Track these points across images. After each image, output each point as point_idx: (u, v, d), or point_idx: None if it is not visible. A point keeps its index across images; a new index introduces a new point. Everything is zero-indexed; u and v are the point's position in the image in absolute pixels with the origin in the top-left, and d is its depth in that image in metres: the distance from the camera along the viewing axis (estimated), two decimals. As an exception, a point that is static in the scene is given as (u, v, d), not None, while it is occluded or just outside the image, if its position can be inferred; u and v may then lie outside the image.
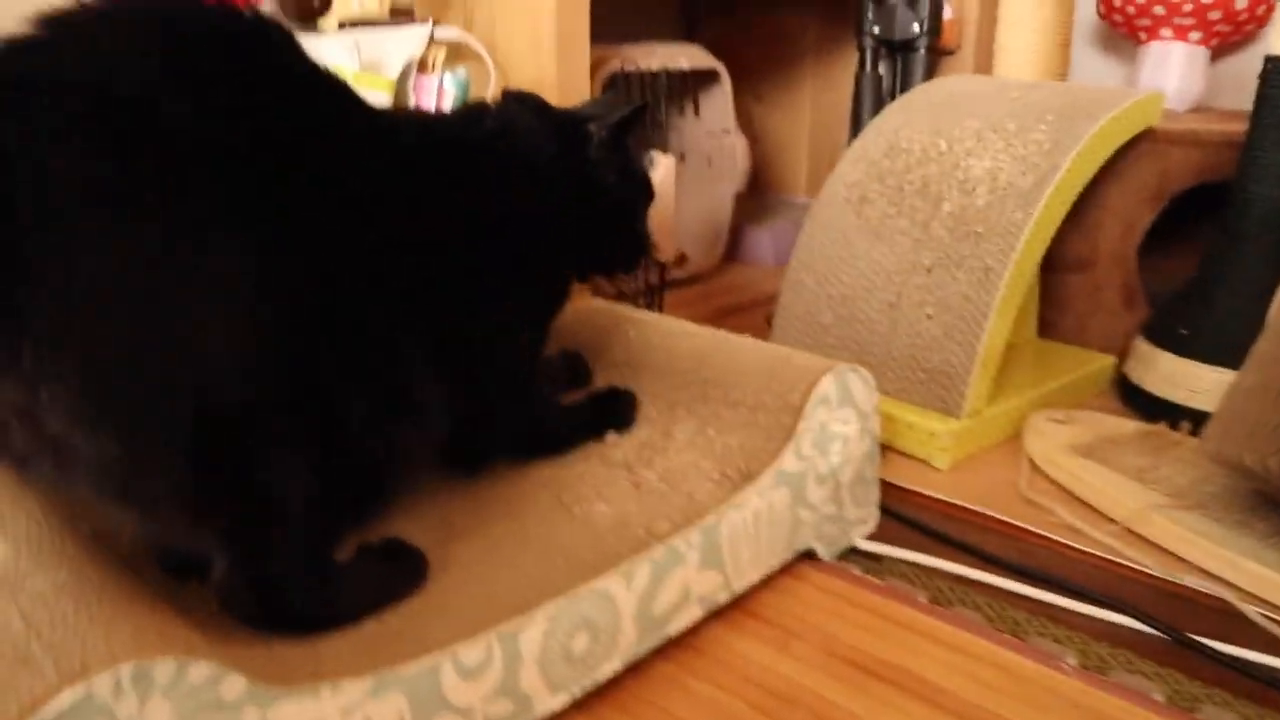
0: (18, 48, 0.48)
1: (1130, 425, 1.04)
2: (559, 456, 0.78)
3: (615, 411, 0.84)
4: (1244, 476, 0.85)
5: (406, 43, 0.90)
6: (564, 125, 0.79)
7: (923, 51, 1.43)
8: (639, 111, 0.81)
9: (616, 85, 1.36)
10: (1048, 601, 0.77)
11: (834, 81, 1.92)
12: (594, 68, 1.25)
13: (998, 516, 0.91)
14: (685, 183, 1.47)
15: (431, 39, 0.95)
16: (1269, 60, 1.02)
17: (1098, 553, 0.84)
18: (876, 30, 1.46)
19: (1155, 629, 0.73)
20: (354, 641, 0.56)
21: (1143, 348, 1.13)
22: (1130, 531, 0.86)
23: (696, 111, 1.62)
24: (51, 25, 0.49)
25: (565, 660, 0.59)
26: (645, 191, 0.84)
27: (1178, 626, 0.73)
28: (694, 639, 0.70)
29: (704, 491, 0.73)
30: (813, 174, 2.00)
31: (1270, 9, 1.34)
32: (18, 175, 0.44)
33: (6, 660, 0.44)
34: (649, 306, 1.32)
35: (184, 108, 0.49)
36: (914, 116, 1.17)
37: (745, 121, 1.96)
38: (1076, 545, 0.85)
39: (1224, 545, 0.80)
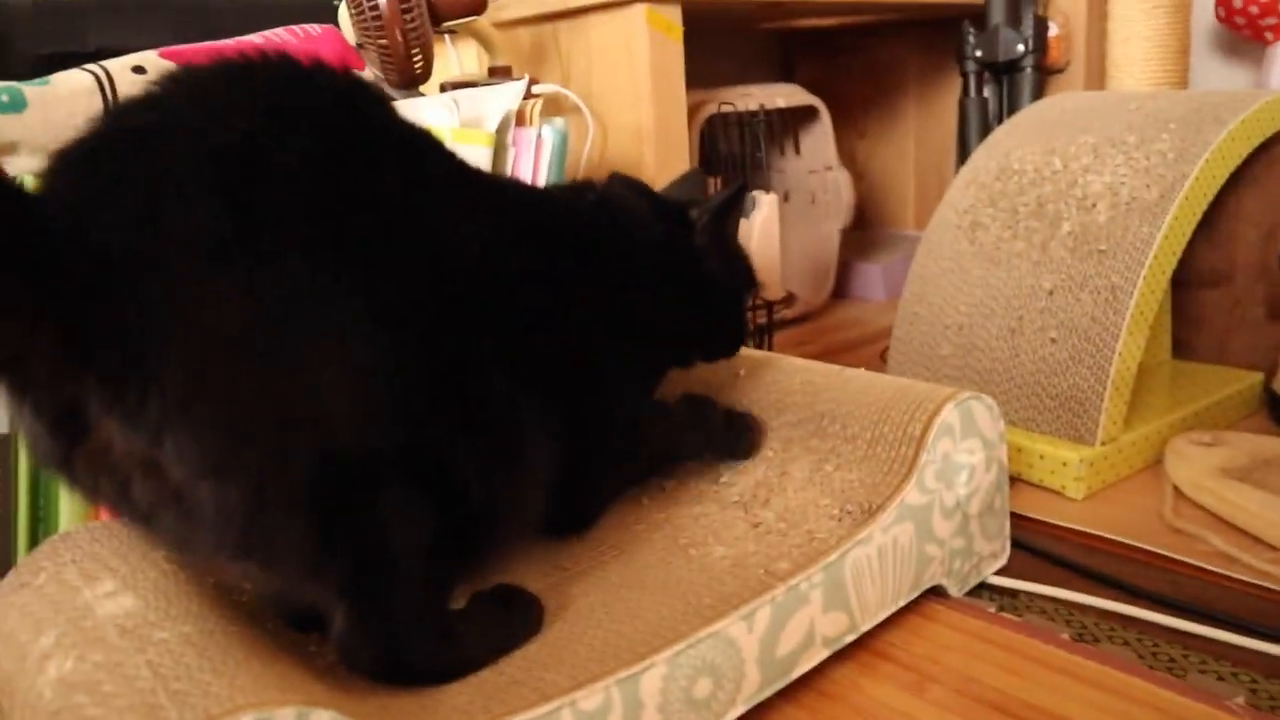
0: (136, 105, 0.50)
1: (1286, 445, 0.97)
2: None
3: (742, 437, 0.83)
4: None
5: (503, 98, 0.91)
6: (668, 210, 0.79)
7: (1029, 71, 1.39)
8: (739, 194, 0.82)
9: (715, 128, 1.37)
10: (1206, 636, 0.71)
11: (937, 111, 1.89)
12: (691, 112, 1.26)
13: (1143, 547, 0.85)
14: (789, 222, 1.46)
15: (528, 93, 0.96)
16: None
17: (1259, 582, 0.78)
18: (979, 54, 1.43)
19: (1330, 663, 0.67)
20: (472, 690, 0.56)
21: (1293, 362, 1.06)
22: (1294, 558, 0.80)
23: (797, 150, 1.61)
24: (166, 84, 0.51)
25: (688, 706, 0.57)
26: (748, 279, 0.84)
27: (1356, 659, 0.67)
28: (823, 682, 0.67)
29: (825, 529, 0.70)
30: (920, 207, 1.96)
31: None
32: (143, 229, 0.45)
33: (136, 710, 0.45)
34: (757, 347, 1.31)
35: (299, 162, 0.50)
36: (1025, 136, 1.13)
37: (849, 158, 1.95)
38: (1234, 575, 0.79)
39: (1402, 569, 0.73)
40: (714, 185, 1.40)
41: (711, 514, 0.75)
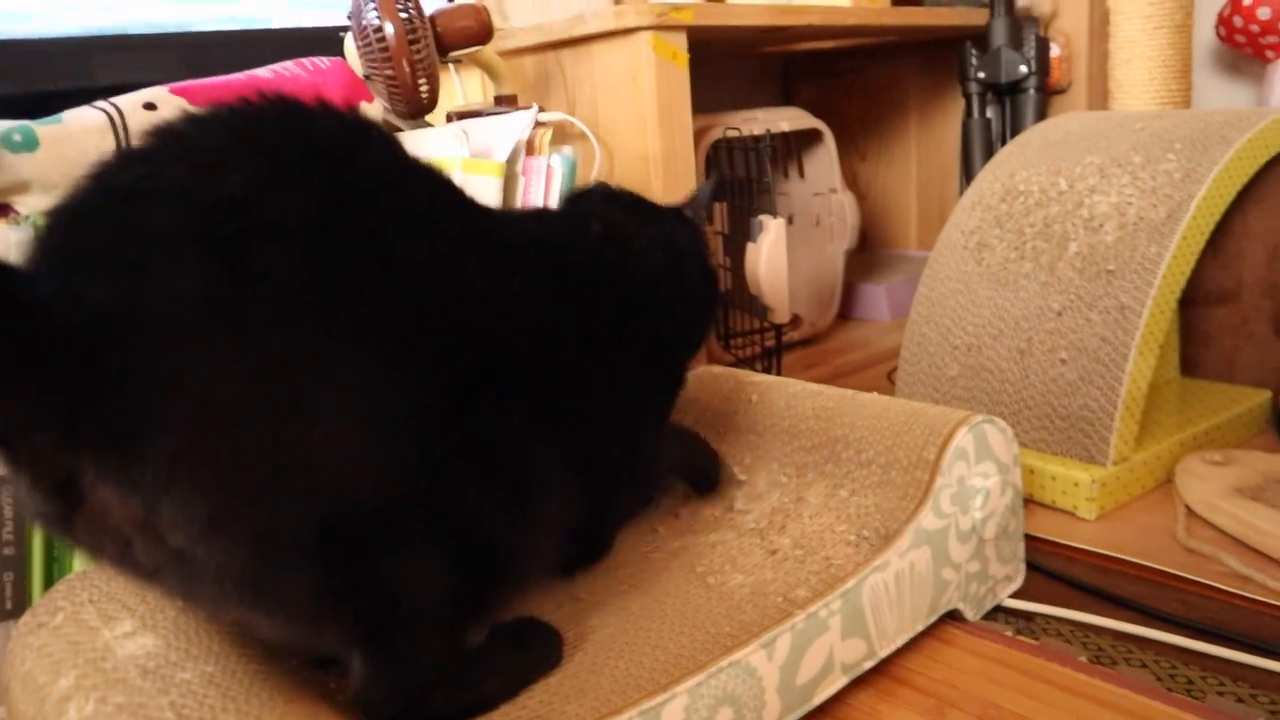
0: (126, 160, 0.49)
1: (1298, 463, 0.97)
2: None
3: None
4: None
5: (513, 127, 0.92)
6: (664, 216, 0.79)
7: (1032, 92, 1.40)
8: (718, 185, 0.84)
9: (719, 153, 1.37)
10: (1224, 657, 0.71)
11: (939, 131, 1.90)
12: (696, 137, 1.26)
13: (1157, 567, 0.85)
14: (794, 244, 1.47)
15: (536, 122, 0.97)
16: None
17: (1274, 602, 0.77)
18: (982, 75, 1.44)
19: (1352, 684, 0.67)
20: (493, 726, 0.55)
21: (1302, 379, 1.07)
22: (1310, 578, 0.79)
23: (801, 173, 1.61)
24: (159, 135, 0.50)
25: (709, 737, 0.57)
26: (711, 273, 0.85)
27: (1378, 680, 0.66)
28: (842, 709, 0.67)
29: (842, 555, 0.70)
30: (923, 227, 1.96)
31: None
32: (132, 292, 0.43)
33: (158, 754, 0.45)
34: (766, 370, 1.31)
35: (296, 214, 0.48)
36: (1030, 157, 1.14)
37: (850, 179, 1.95)
38: (1250, 595, 0.79)
39: None
40: (720, 211, 1.41)
41: (728, 541, 0.74)
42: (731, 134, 1.34)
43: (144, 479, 0.43)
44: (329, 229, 0.49)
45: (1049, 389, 1.01)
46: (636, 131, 1.19)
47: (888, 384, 1.39)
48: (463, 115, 1.16)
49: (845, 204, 1.59)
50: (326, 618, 0.49)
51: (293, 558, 0.46)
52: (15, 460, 0.45)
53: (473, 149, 0.89)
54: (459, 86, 1.31)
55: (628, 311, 0.71)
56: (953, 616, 0.76)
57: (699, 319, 0.80)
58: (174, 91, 0.82)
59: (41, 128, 0.76)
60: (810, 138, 1.59)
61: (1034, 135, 1.20)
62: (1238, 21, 1.34)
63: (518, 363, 0.58)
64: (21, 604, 0.71)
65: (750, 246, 1.20)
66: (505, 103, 1.19)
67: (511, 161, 0.90)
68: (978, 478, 0.75)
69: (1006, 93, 1.44)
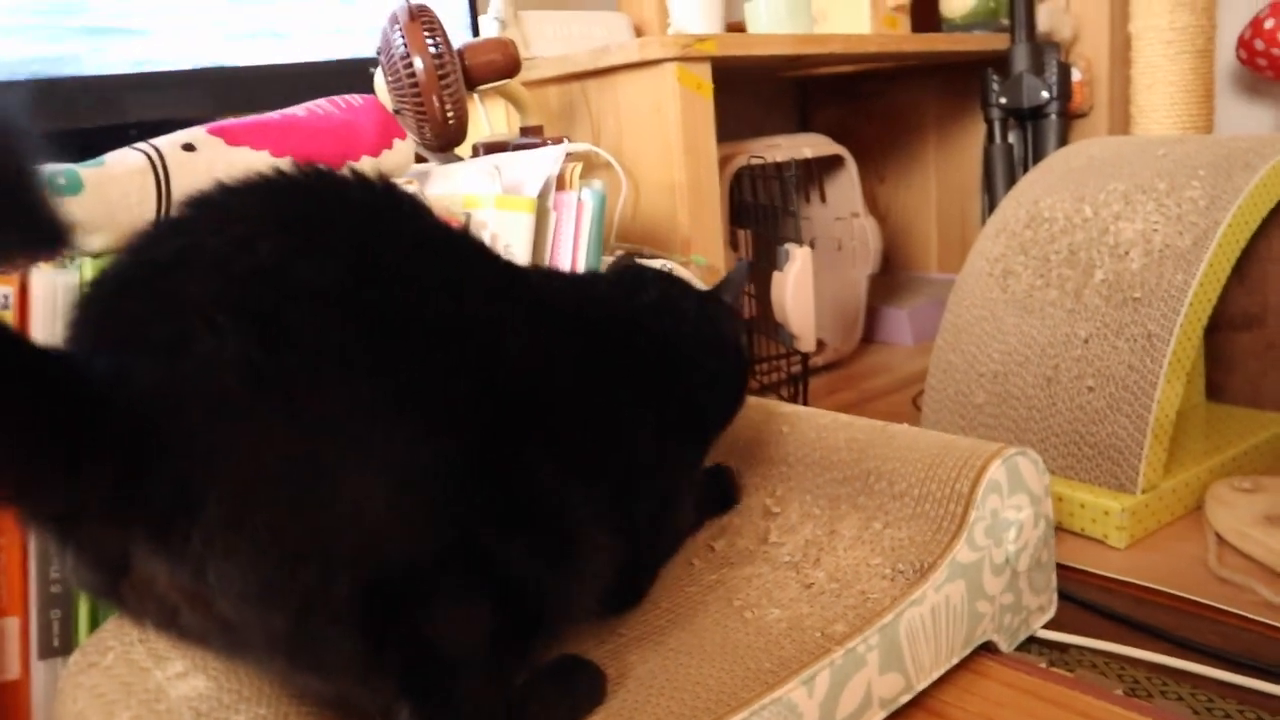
0: (162, 233, 0.50)
1: (1329, 491, 0.97)
2: None
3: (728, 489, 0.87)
4: None
5: (543, 162, 0.93)
6: (703, 297, 0.81)
7: (1054, 117, 1.40)
8: (741, 271, 0.85)
9: (741, 180, 1.38)
10: (1263, 691, 0.71)
11: (957, 154, 1.90)
12: (720, 165, 1.27)
13: (1189, 597, 0.85)
14: (817, 269, 1.46)
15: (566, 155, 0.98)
16: None
17: (1311, 634, 0.77)
18: (1003, 100, 1.44)
19: (1392, 717, 0.67)
20: (539, 765, 0.56)
21: (1329, 405, 1.06)
22: (1345, 608, 0.79)
23: (823, 198, 1.62)
24: (195, 205, 0.51)
25: (752, 775, 0.57)
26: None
27: None
28: (880, 746, 0.67)
29: (878, 589, 0.70)
30: (943, 249, 1.97)
31: None
32: (175, 365, 0.44)
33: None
34: (793, 397, 1.31)
35: (331, 282, 0.49)
36: (1053, 184, 1.14)
37: (870, 201, 1.96)
38: (1285, 626, 0.79)
39: None
40: (744, 238, 1.42)
41: (764, 575, 0.75)
42: (756, 162, 1.35)
43: (193, 551, 0.43)
44: (362, 295, 0.50)
45: (1076, 416, 1.01)
46: (662, 162, 1.20)
47: (913, 409, 1.39)
48: (489, 146, 1.17)
49: (868, 229, 1.60)
50: (373, 674, 0.50)
51: (338, 619, 0.47)
52: (63, 537, 0.45)
53: (504, 185, 0.90)
54: (484, 117, 1.33)
55: (670, 376, 0.72)
56: (987, 648, 0.76)
57: (733, 398, 0.82)
58: (212, 132, 0.83)
59: (85, 170, 0.77)
60: (831, 163, 1.60)
61: (1057, 161, 1.21)
62: (1259, 45, 1.35)
63: (553, 420, 0.58)
64: (68, 641, 0.72)
65: (776, 275, 1.21)
66: (531, 133, 1.20)
67: (543, 196, 0.91)
68: (1011, 510, 0.76)
69: (1028, 118, 1.44)
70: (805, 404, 1.29)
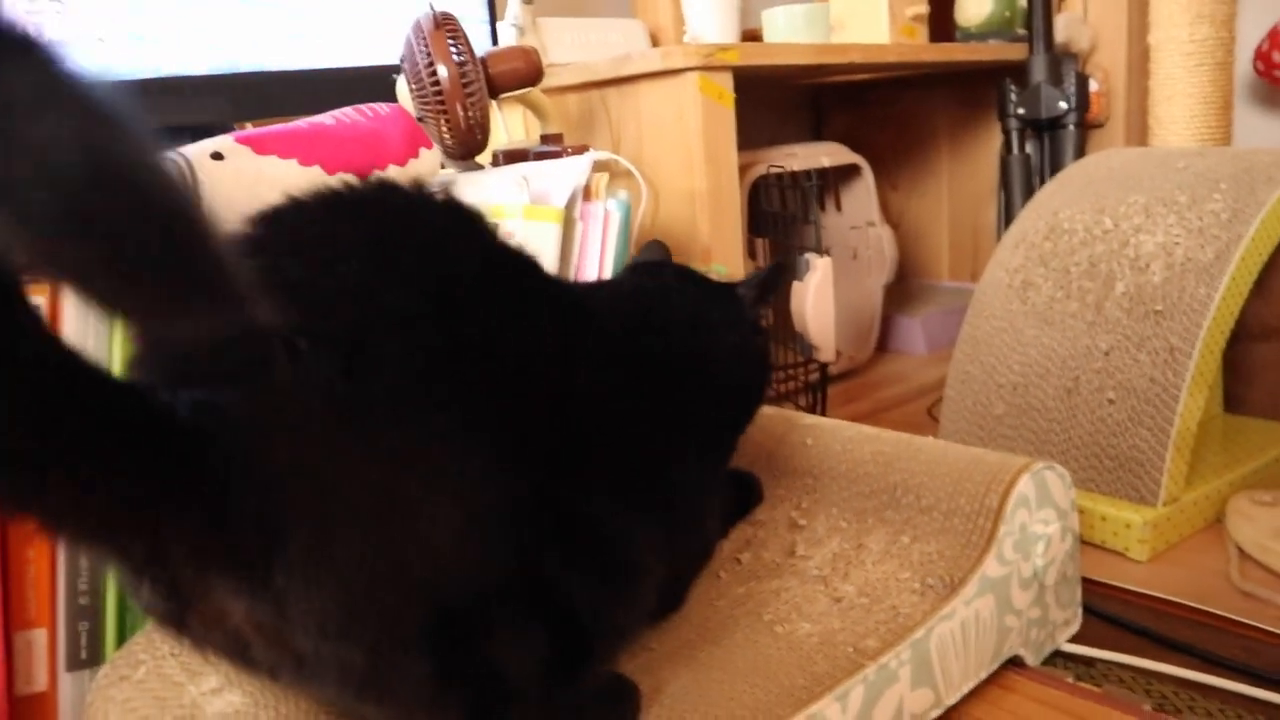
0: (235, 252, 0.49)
1: (1350, 504, 0.97)
2: None
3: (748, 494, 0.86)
4: None
5: (570, 172, 0.93)
6: (719, 294, 0.79)
7: (1071, 128, 1.40)
8: (777, 272, 0.83)
9: (759, 189, 1.38)
10: (1292, 707, 0.71)
11: (970, 161, 1.90)
12: (739, 174, 1.27)
13: (1213, 611, 0.85)
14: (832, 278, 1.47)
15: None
16: None
17: (1338, 650, 0.77)
18: (1021, 111, 1.44)
19: None
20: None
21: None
22: (1372, 625, 0.79)
23: (838, 206, 1.62)
24: (266, 224, 0.50)
25: (787, 791, 0.57)
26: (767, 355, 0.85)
27: None
28: (911, 761, 0.67)
29: (908, 604, 0.70)
30: (955, 257, 1.97)
31: None
32: (262, 393, 0.43)
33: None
34: (811, 406, 1.31)
35: (411, 306, 0.48)
36: (1073, 195, 1.14)
37: (882, 209, 1.95)
38: (1311, 642, 0.79)
39: None
40: (762, 247, 1.42)
41: (792, 588, 0.75)
42: (775, 171, 1.35)
43: (276, 587, 0.43)
44: (441, 323, 0.49)
45: (1097, 429, 1.01)
46: (683, 170, 1.20)
47: (928, 419, 1.39)
48: (509, 154, 1.17)
49: (884, 238, 1.60)
50: (438, 703, 0.49)
51: (410, 649, 0.47)
52: (139, 571, 0.44)
53: (531, 195, 0.90)
54: (501, 124, 1.33)
55: (706, 395, 0.71)
56: (1014, 663, 0.76)
57: (754, 403, 0.81)
58: (240, 141, 0.83)
59: (114, 178, 0.77)
60: (847, 171, 1.60)
61: (1076, 172, 1.21)
62: (1276, 57, 1.35)
63: (608, 448, 0.58)
64: (96, 653, 0.71)
65: (796, 285, 1.21)
66: (551, 141, 1.20)
67: (570, 207, 0.91)
68: (1039, 525, 0.76)
69: (1046, 128, 1.44)
70: (824, 414, 1.29)
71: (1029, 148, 1.46)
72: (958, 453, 0.81)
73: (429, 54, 1.02)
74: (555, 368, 0.56)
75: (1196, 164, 1.09)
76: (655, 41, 1.62)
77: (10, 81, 0.27)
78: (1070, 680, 0.76)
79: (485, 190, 0.91)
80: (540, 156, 1.13)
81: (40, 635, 0.70)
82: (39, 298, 0.71)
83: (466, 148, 1.05)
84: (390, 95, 1.13)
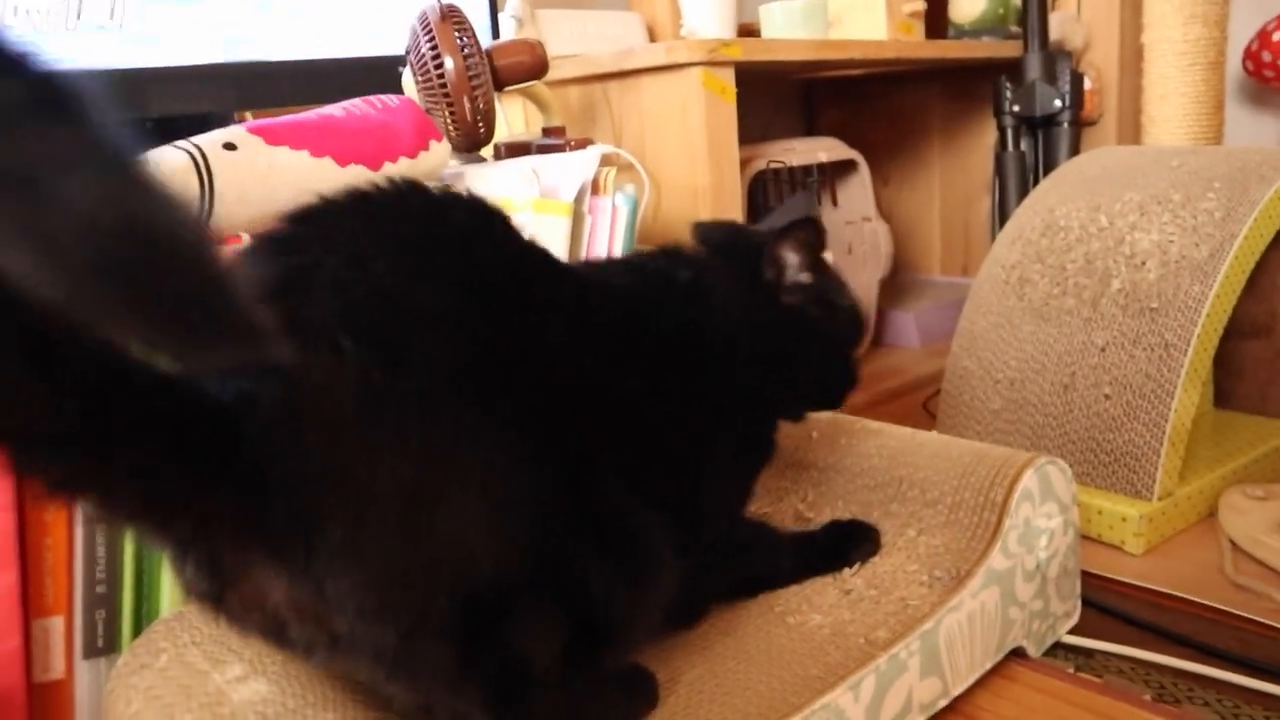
0: (271, 250, 0.50)
1: (1340, 498, 0.99)
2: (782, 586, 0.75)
3: (852, 545, 0.78)
4: None
5: (579, 167, 0.93)
6: (747, 252, 0.74)
7: (1066, 125, 1.42)
8: (805, 224, 0.73)
9: (764, 185, 1.39)
10: (1288, 697, 0.73)
11: (962, 156, 1.92)
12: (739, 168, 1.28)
13: (1207, 603, 0.87)
14: (828, 272, 1.48)
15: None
16: None
17: (1330, 641, 0.79)
18: (1016, 108, 1.46)
19: None
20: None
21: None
22: (1363, 616, 0.81)
23: (834, 201, 1.63)
24: (301, 222, 0.51)
25: (802, 778, 0.58)
26: (851, 324, 0.76)
27: None
28: (919, 749, 0.68)
29: (917, 596, 0.71)
30: (946, 251, 1.99)
31: None
32: (304, 385, 0.44)
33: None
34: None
35: (443, 303, 0.50)
36: (1068, 193, 1.16)
37: (875, 203, 1.97)
38: (1305, 633, 0.81)
39: None
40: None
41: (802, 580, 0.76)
42: (775, 166, 1.35)
43: (313, 568, 0.44)
44: (474, 321, 0.51)
45: (1093, 424, 1.02)
46: (685, 164, 1.20)
47: (923, 413, 1.40)
48: (511, 147, 1.17)
49: (879, 232, 1.61)
50: (463, 684, 0.51)
51: (440, 634, 0.48)
52: (184, 550, 0.46)
53: (540, 188, 0.91)
54: (503, 116, 1.33)
55: (729, 377, 0.69)
56: (1016, 654, 0.78)
57: (808, 379, 0.76)
58: (252, 131, 0.83)
59: (127, 169, 0.77)
60: (843, 167, 1.61)
61: (1071, 170, 1.22)
62: (1266, 56, 1.37)
63: (630, 441, 0.60)
64: (112, 641, 0.72)
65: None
66: (554, 134, 1.21)
67: (578, 201, 0.92)
68: (1042, 518, 0.77)
69: (1040, 125, 1.46)
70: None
71: (1024, 144, 1.48)
72: (962, 448, 0.82)
73: (435, 46, 1.02)
74: (577, 363, 0.57)
75: (1190, 162, 1.10)
76: (652, 35, 1.62)
77: (50, 137, 0.28)
78: (1071, 671, 0.78)
79: (494, 183, 0.92)
80: (543, 149, 1.13)
81: (58, 623, 0.70)
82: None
83: (471, 140, 1.05)
84: (394, 86, 1.13)
